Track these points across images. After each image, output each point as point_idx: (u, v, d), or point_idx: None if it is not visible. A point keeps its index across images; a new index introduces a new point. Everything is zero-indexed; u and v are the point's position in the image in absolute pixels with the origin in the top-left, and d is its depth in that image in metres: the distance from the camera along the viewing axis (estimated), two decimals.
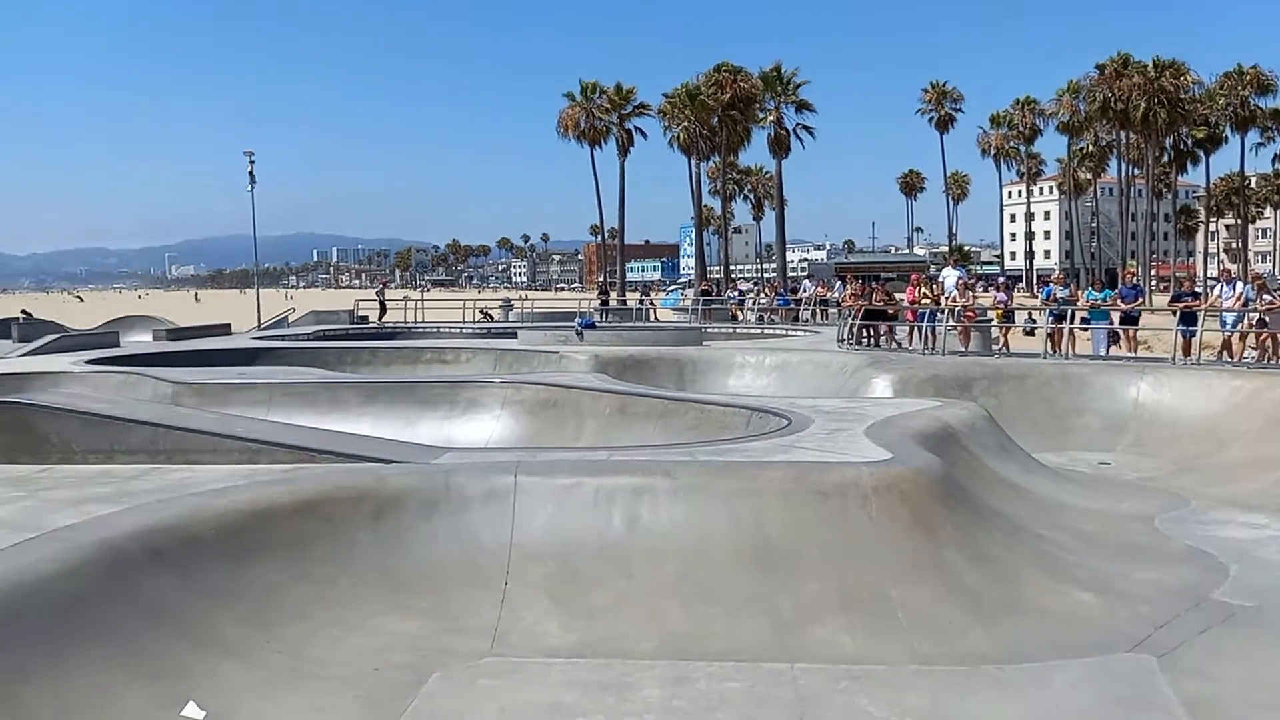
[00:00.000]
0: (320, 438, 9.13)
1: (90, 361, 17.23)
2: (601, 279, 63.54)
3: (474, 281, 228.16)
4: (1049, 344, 17.25)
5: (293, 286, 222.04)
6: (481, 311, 35.15)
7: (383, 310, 32.68)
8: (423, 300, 36.32)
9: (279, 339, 23.47)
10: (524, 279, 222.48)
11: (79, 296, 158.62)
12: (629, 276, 78.56)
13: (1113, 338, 17.81)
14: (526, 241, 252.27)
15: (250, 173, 35.65)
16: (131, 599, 5.31)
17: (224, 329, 27.18)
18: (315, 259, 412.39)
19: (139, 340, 24.62)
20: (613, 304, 42.16)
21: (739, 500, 6.84)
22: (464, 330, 27.84)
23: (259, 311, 34.91)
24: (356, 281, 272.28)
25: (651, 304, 40.38)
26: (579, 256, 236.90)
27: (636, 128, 61.45)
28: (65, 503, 6.88)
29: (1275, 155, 72.66)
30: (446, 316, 33.04)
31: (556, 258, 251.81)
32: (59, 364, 16.90)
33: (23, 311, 39.44)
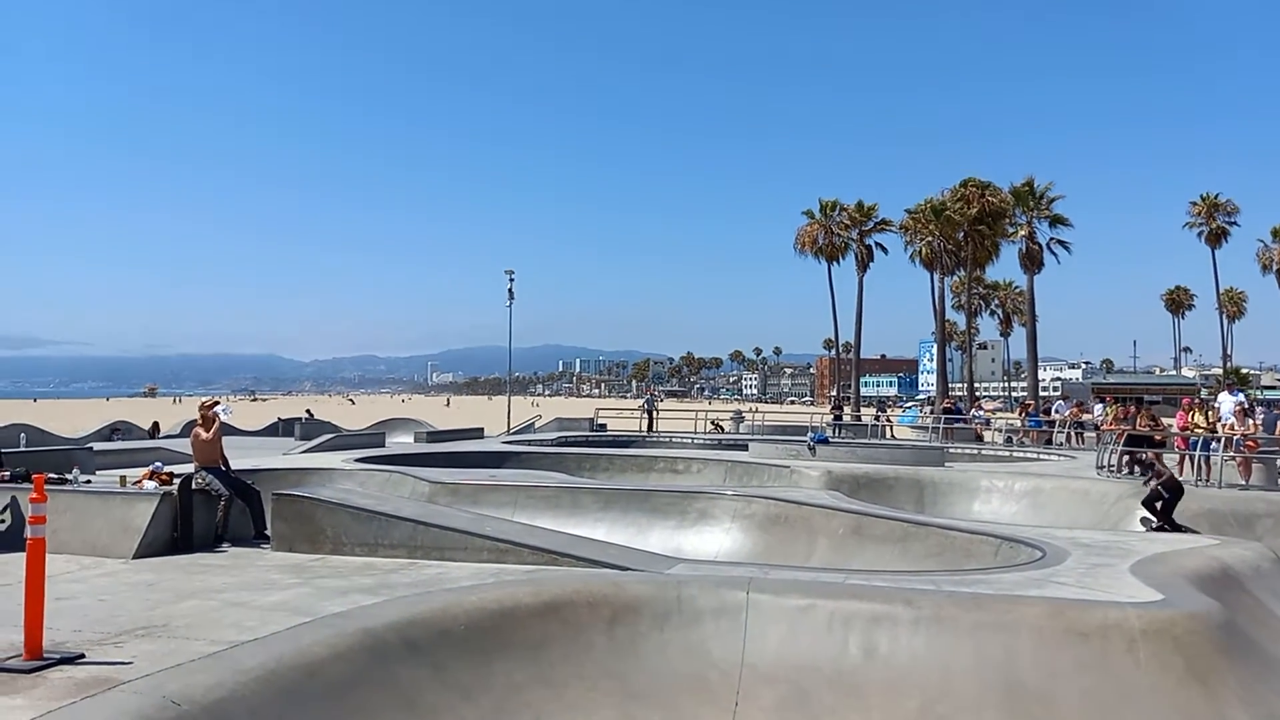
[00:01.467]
0: (562, 541, 9.46)
1: (359, 460, 18.81)
2: (834, 393, 62.61)
3: (705, 393, 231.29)
4: None
5: (539, 394, 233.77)
6: (713, 423, 35.50)
7: (651, 421, 32.81)
8: (657, 410, 37.22)
9: (526, 444, 24.72)
10: (755, 391, 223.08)
11: (351, 400, 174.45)
12: (863, 391, 76.98)
13: None
14: (758, 354, 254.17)
15: (510, 289, 38.31)
16: (392, 686, 5.67)
17: (477, 433, 28.97)
18: (560, 368, 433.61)
19: (401, 441, 26.69)
20: (846, 419, 41.35)
21: (987, 635, 6.42)
22: (695, 440, 28.17)
23: (509, 417, 36.98)
24: (597, 391, 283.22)
25: (888, 420, 39.28)
26: (810, 370, 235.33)
27: (877, 243, 61.30)
28: (334, 591, 7.50)
29: None
30: (679, 426, 33.62)
31: (788, 371, 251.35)
32: (333, 460, 18.56)
33: (307, 411, 43.90)
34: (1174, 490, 13.98)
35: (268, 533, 10.39)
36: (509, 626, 6.66)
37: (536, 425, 31.69)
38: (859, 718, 6.11)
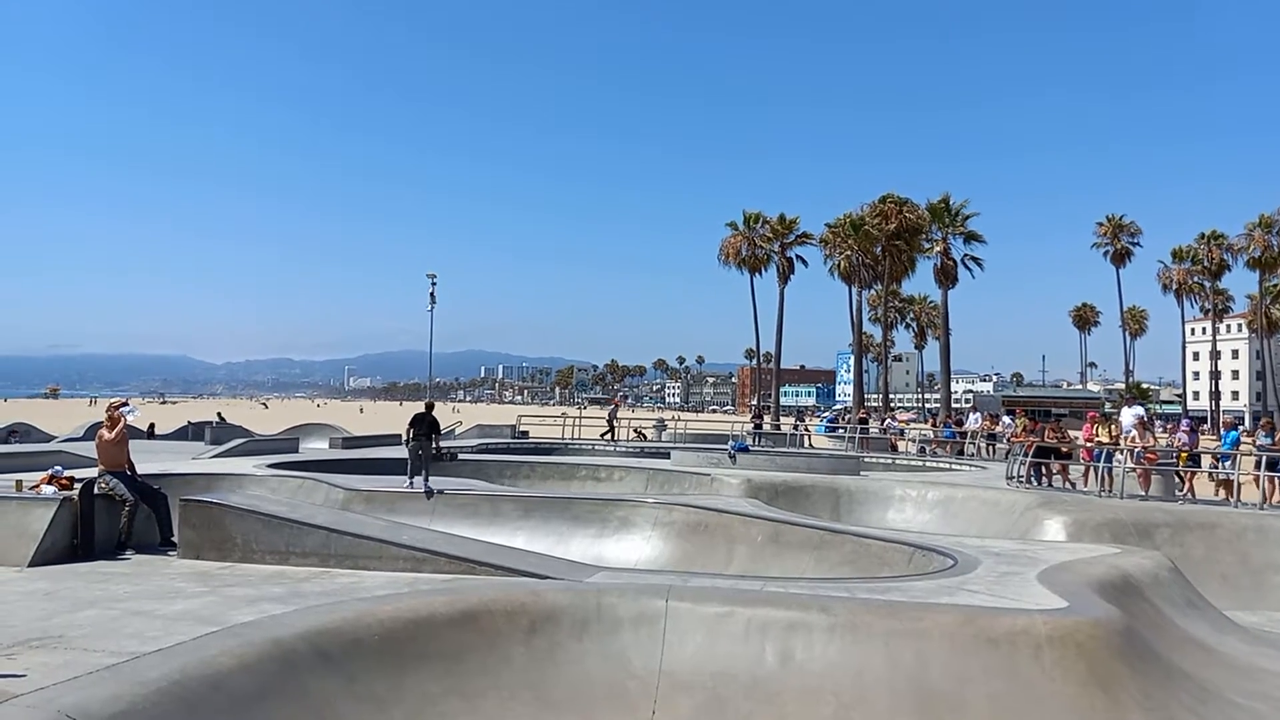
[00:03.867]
0: (479, 549, 9.34)
1: (271, 465, 18.33)
2: (755, 402, 63.29)
3: (629, 401, 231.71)
4: (1238, 493, 15.97)
5: (460, 400, 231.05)
6: (636, 431, 35.55)
7: (612, 431, 32.23)
8: (580, 417, 37.11)
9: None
10: (677, 400, 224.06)
11: (265, 404, 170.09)
12: (783, 401, 77.98)
13: None
14: (682, 363, 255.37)
15: (431, 294, 37.79)
16: (302, 698, 5.52)
17: (395, 439, 28.44)
18: (482, 374, 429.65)
19: (316, 446, 26.10)
20: (766, 428, 41.79)
21: (900, 642, 6.54)
22: (617, 449, 28.19)
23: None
24: (520, 397, 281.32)
25: (806, 430, 39.82)
26: (732, 379, 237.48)
27: (798, 256, 62.15)
28: (243, 600, 7.27)
29: None
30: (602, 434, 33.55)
31: (710, 380, 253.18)
32: (244, 466, 18.06)
33: (218, 414, 42.65)
34: None
35: (174, 539, 10.03)
36: (424, 636, 6.55)
37: (457, 432, 31.31)
38: None
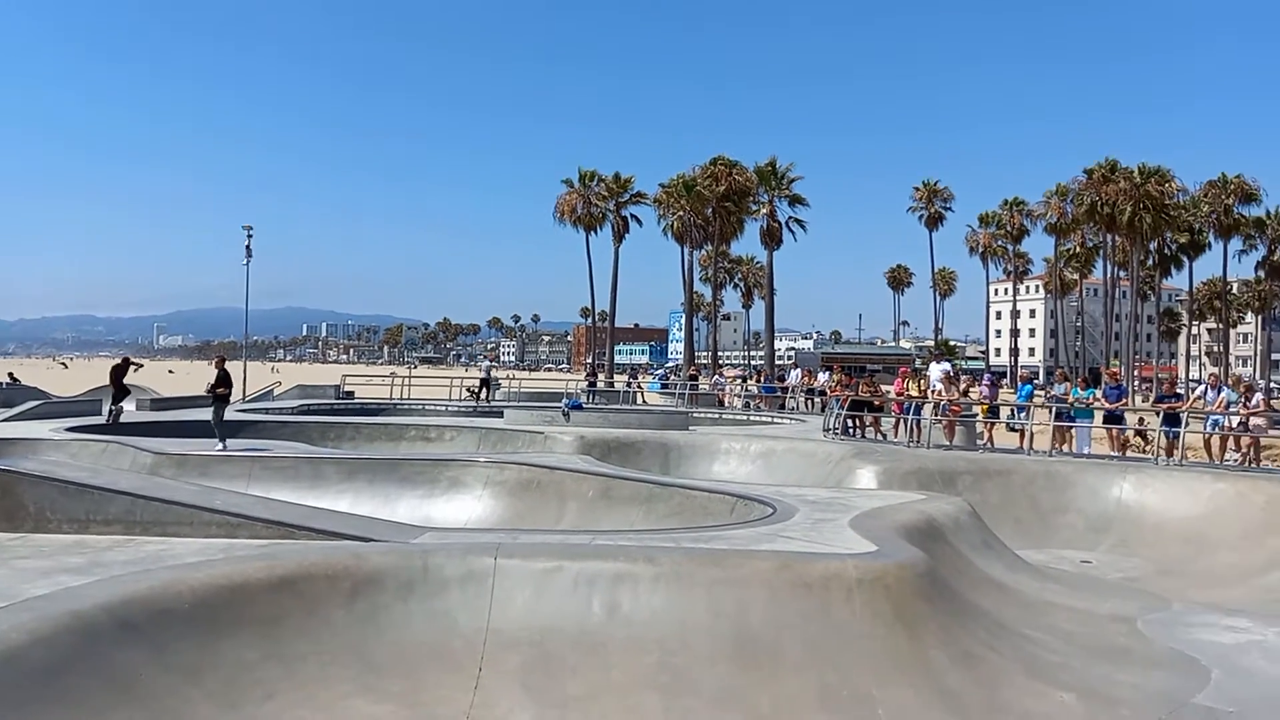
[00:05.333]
0: (299, 513, 9.03)
1: (71, 429, 17.09)
2: (590, 361, 63.68)
3: (462, 360, 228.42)
4: (1031, 441, 17.33)
5: (280, 360, 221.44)
6: (468, 389, 35.12)
7: (487, 388, 30.94)
8: (410, 377, 36.31)
9: (263, 412, 23.35)
10: (512, 358, 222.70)
11: (64, 363, 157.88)
12: (617, 359, 78.80)
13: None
14: (517, 321, 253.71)
15: (248, 246, 35.86)
16: (103, 672, 5.21)
17: (208, 400, 27.00)
18: (305, 333, 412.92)
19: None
20: (601, 386, 42.15)
21: (722, 590, 6.77)
22: (449, 409, 27.78)
23: (245, 384, 34.76)
24: (345, 356, 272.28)
25: (639, 387, 40.41)
26: (568, 338, 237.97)
27: (633, 215, 62.54)
28: (37, 572, 6.78)
29: (1257, 263, 73.95)
30: (433, 394, 32.97)
31: (546, 338, 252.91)
32: (39, 430, 16.77)
33: (9, 374, 39.23)
34: None
35: None
36: (239, 603, 6.31)
37: (276, 393, 29.99)
38: (600, 676, 6.28)
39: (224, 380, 15.47)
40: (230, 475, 12.91)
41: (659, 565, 6.90)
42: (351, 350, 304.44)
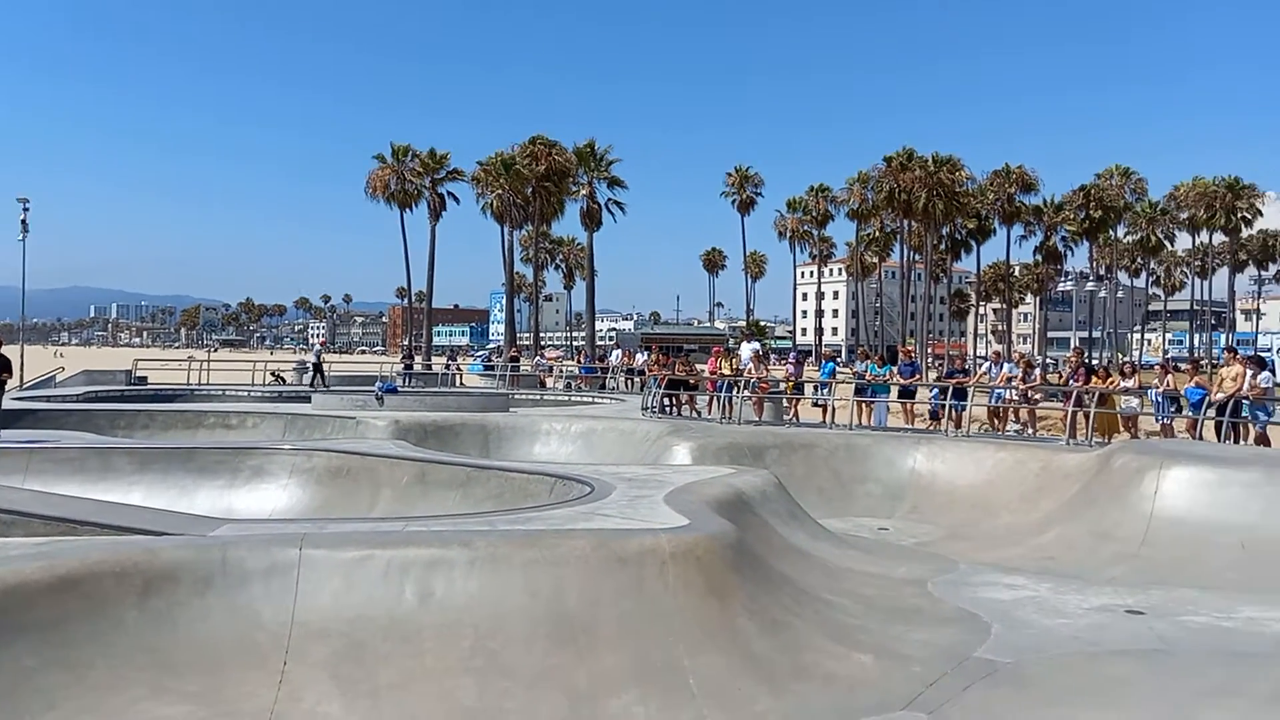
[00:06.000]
0: (84, 508, 8.38)
1: None
2: (406, 342, 62.10)
3: (267, 342, 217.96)
4: (833, 415, 18.24)
5: (65, 344, 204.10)
6: (273, 374, 33.57)
7: (320, 373, 30.22)
8: (209, 361, 34.37)
9: (44, 400, 21.52)
10: (322, 341, 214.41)
11: None
12: (436, 341, 77.27)
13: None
14: (327, 302, 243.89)
15: (23, 220, 32.86)
16: None
17: None
18: (92, 314, 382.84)
19: None
20: (418, 368, 41.25)
21: (538, 570, 6.77)
22: (252, 394, 26.46)
23: (23, 370, 31.91)
24: (139, 339, 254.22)
25: (458, 369, 39.82)
26: (383, 319, 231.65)
27: (449, 193, 61.24)
28: None
29: (1035, 248, 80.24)
30: (235, 379, 31.34)
31: (359, 320, 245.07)
32: None
33: None
34: None
35: None
36: (16, 607, 5.81)
37: (59, 379, 27.70)
38: (413, 663, 6.16)
39: (1, 365, 14.15)
40: (4, 469, 11.83)
41: (474, 549, 6.82)
42: (145, 333, 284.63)
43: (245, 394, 26.17)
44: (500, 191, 58.58)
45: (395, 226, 60.62)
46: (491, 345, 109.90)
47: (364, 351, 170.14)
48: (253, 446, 13.84)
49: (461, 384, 34.95)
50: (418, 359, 49.75)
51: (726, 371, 19.75)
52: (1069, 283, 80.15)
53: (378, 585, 6.52)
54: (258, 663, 6.08)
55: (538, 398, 27.11)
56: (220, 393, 26.06)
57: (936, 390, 18.54)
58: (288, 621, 6.27)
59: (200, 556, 6.61)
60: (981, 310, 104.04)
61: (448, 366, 40.36)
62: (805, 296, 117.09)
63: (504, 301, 67.51)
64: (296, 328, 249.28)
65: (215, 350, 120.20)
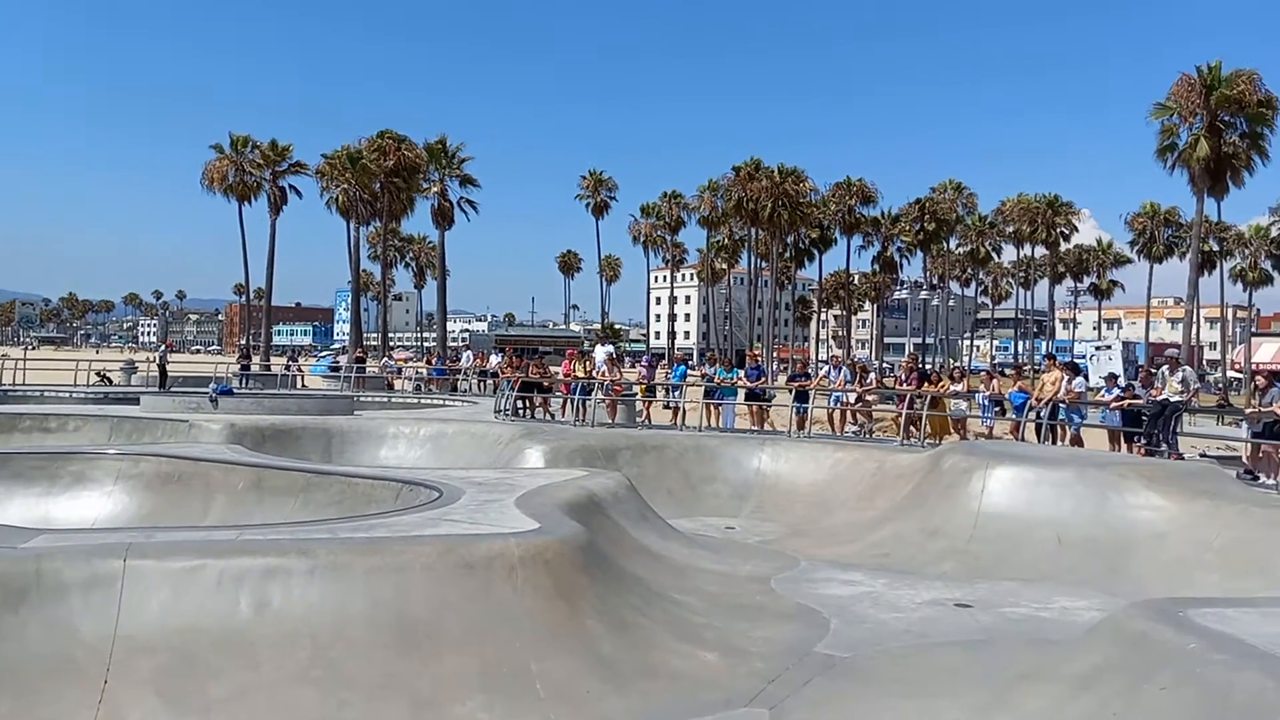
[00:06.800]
0: None
1: None
2: (244, 342, 59.40)
3: (92, 340, 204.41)
4: (684, 417, 18.57)
5: None
6: (99, 374, 31.52)
7: (163, 376, 28.69)
8: (25, 359, 31.99)
9: None
10: (154, 339, 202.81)
11: None
12: (276, 340, 74.30)
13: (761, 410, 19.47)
14: (159, 298, 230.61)
15: None
16: None
17: None
18: None
19: None
20: (256, 369, 39.55)
21: (381, 578, 6.60)
22: (75, 395, 24.78)
23: None
24: None
25: (299, 370, 38.39)
26: (219, 317, 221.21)
27: (292, 186, 58.91)
28: None
29: (874, 257, 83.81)
30: (55, 379, 29.26)
31: (193, 317, 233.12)
32: None
33: None
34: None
35: None
36: None
37: None
38: (248, 675, 5.91)
39: None
40: None
41: (314, 557, 6.60)
42: None
43: (67, 395, 24.48)
44: (346, 186, 56.83)
45: (234, 219, 57.88)
46: (336, 345, 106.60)
47: (198, 350, 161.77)
48: (74, 451, 13.01)
49: (303, 386, 33.76)
50: (256, 359, 47.71)
51: (580, 374, 19.80)
52: (904, 291, 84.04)
53: (210, 596, 6.22)
54: (76, 680, 5.71)
55: (385, 400, 26.47)
56: (39, 394, 24.29)
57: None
58: (109, 636, 5.91)
59: (12, 569, 6.15)
60: (823, 316, 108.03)
61: (288, 367, 38.82)
62: (659, 300, 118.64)
63: (349, 300, 65.52)
64: (125, 325, 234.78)
65: (34, 348, 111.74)
